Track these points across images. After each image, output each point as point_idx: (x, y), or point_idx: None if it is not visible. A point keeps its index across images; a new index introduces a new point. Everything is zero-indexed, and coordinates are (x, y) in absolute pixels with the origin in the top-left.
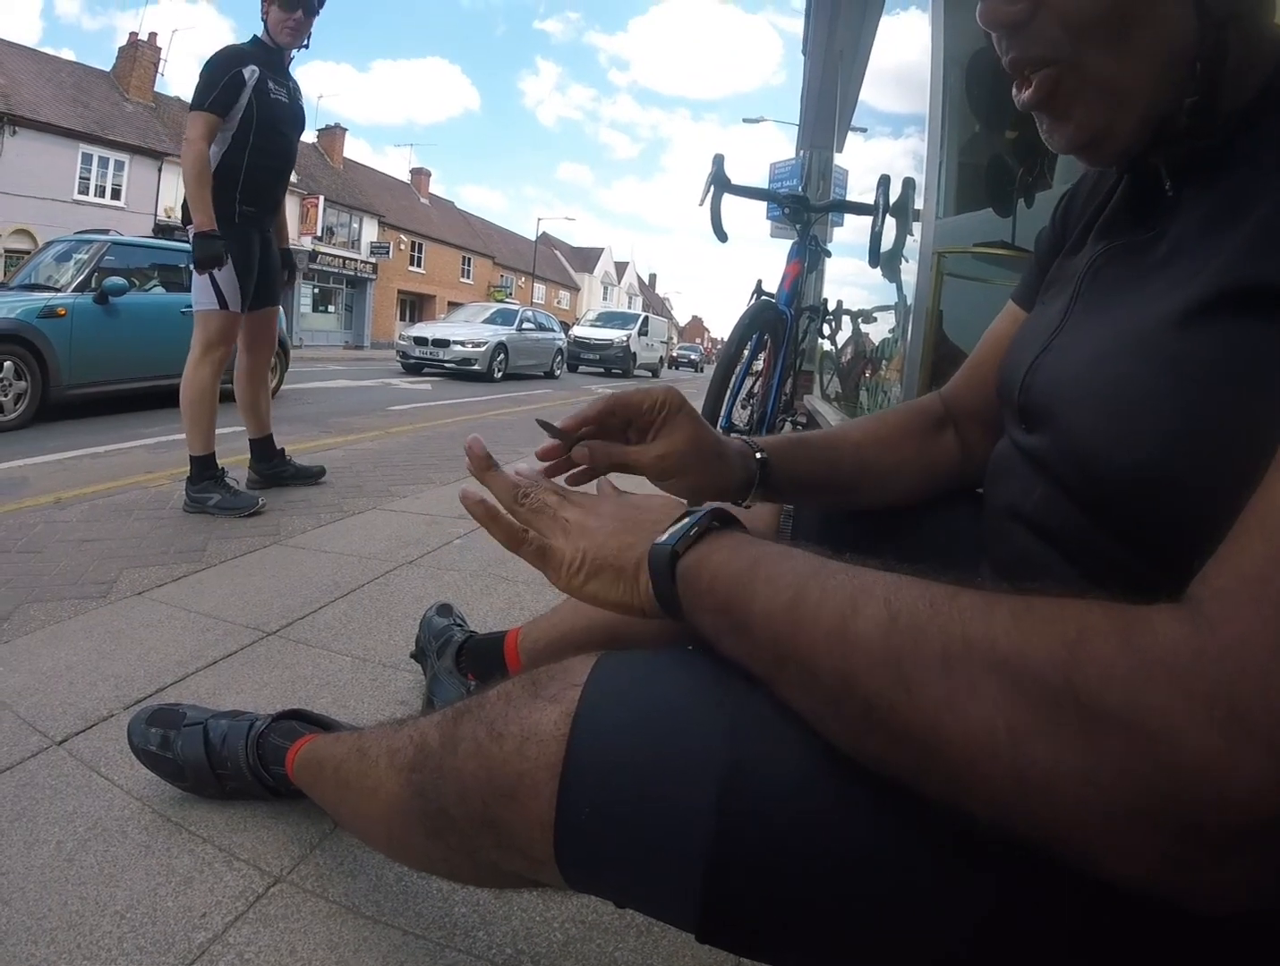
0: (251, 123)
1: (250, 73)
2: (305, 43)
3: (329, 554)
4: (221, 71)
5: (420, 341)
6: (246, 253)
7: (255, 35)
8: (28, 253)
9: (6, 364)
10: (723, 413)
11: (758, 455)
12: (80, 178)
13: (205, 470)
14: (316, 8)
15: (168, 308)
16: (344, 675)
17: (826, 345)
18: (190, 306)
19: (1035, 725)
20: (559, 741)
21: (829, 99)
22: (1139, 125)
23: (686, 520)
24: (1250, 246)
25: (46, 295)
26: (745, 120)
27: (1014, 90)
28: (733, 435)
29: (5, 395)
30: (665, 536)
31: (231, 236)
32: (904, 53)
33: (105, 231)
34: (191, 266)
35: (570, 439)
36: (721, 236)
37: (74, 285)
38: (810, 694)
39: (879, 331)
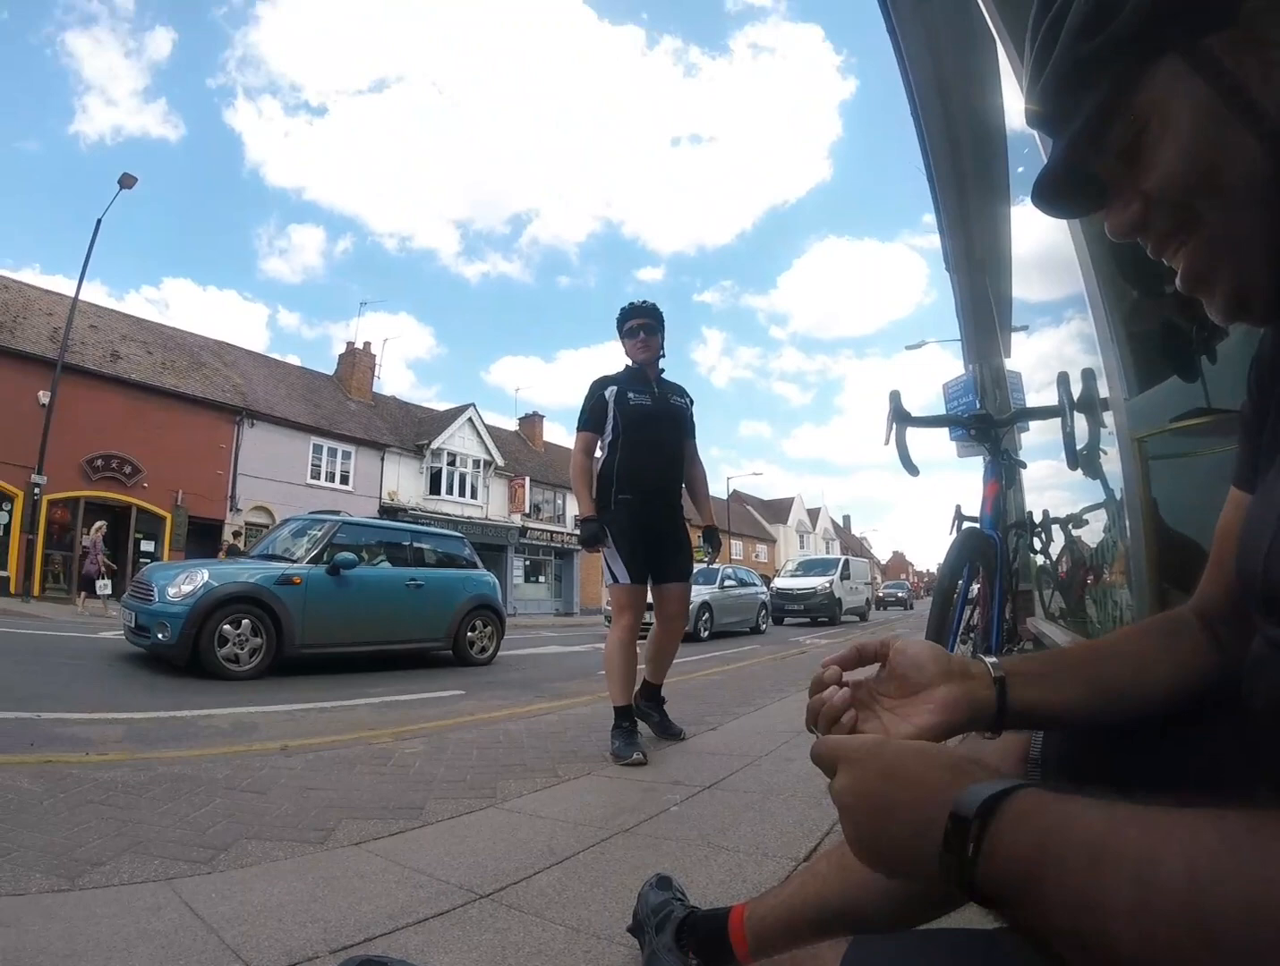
0: (619, 428)
1: (610, 391)
2: (660, 353)
3: (544, 819)
4: (588, 398)
5: None
6: (623, 534)
7: (626, 363)
8: (266, 527)
9: (245, 622)
10: None
11: (991, 668)
12: (312, 464)
13: (620, 719)
14: (655, 327)
15: (394, 580)
16: (556, 944)
17: (1040, 559)
18: (413, 579)
19: None
20: None
21: (983, 307)
22: (1269, 270)
23: (995, 784)
24: None
25: (284, 565)
26: (907, 347)
27: (1177, 282)
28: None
29: (242, 649)
30: (970, 793)
31: (609, 521)
32: (1040, 236)
33: (336, 512)
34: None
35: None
36: (912, 471)
37: (309, 558)
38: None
39: (1093, 534)
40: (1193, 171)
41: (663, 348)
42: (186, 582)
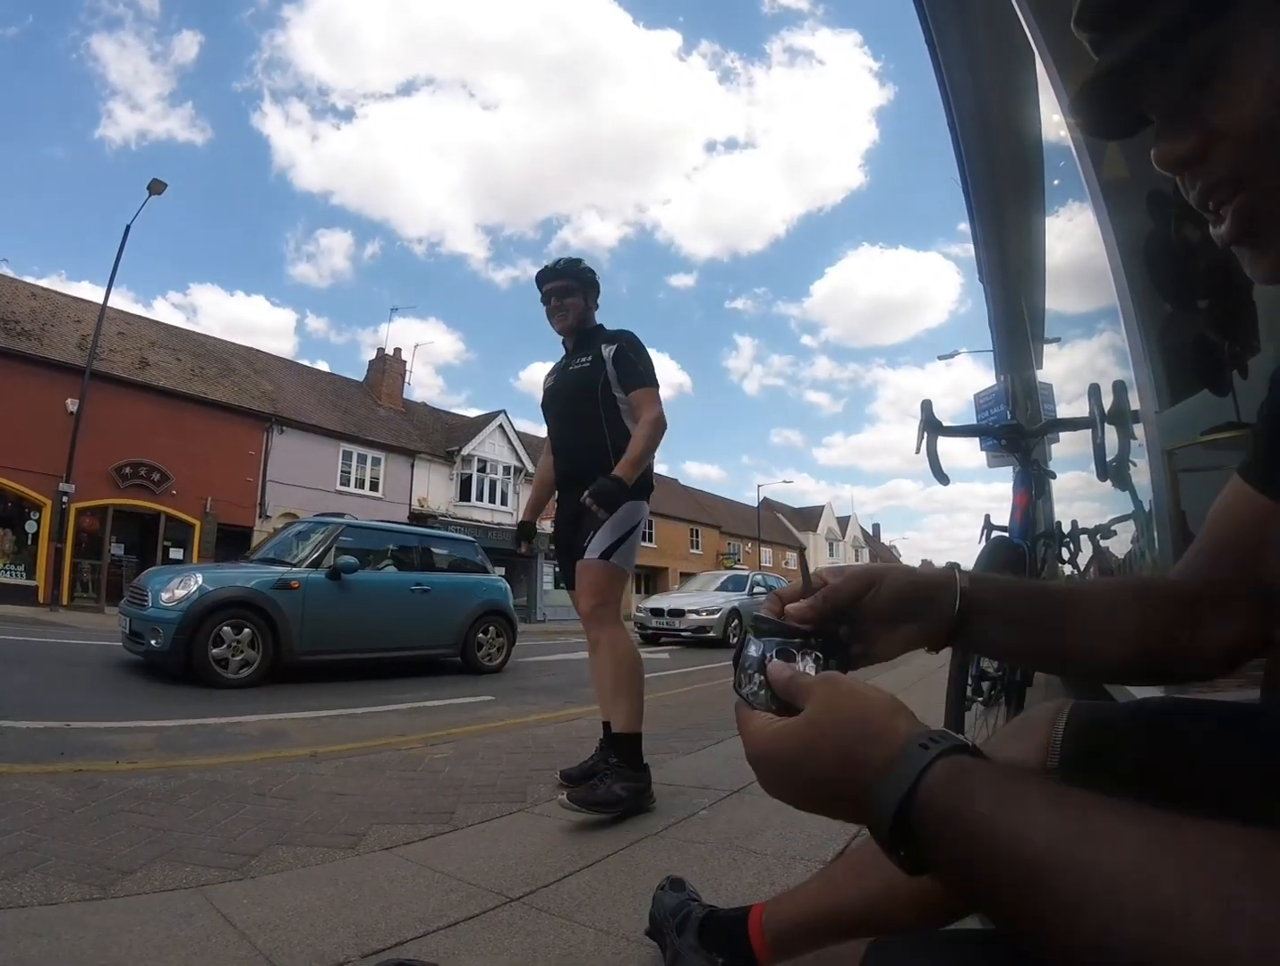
0: None
1: None
2: (584, 320)
3: (574, 823)
4: None
5: (656, 612)
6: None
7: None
8: None
9: (238, 626)
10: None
11: (957, 599)
12: (342, 471)
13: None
14: (569, 290)
15: (398, 585)
16: (586, 947)
17: (1068, 569)
18: (419, 584)
19: None
20: None
21: (1016, 319)
22: None
23: (923, 751)
24: None
25: (282, 569)
26: (940, 357)
27: (1211, 228)
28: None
29: (236, 655)
30: (897, 772)
31: None
32: (1074, 248)
33: (341, 515)
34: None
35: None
36: (943, 479)
37: (308, 561)
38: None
39: (1121, 544)
40: (1276, 114)
41: (589, 308)
42: (180, 587)
